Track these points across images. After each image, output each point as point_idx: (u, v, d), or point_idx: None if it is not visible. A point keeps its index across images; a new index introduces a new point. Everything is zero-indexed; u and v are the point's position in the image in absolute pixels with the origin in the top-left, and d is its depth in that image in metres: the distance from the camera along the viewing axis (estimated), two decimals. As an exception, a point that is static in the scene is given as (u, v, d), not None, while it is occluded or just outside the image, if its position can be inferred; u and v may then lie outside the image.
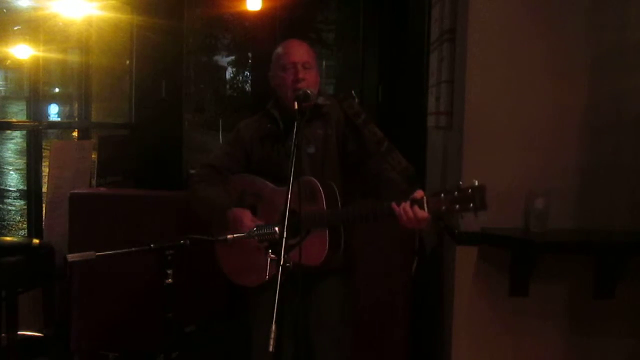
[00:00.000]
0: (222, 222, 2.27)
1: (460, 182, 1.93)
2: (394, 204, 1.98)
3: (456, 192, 1.90)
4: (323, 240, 2.12)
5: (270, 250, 2.08)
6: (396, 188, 2.10)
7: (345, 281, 2.34)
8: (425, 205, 1.94)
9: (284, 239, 1.76)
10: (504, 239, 2.51)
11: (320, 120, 2.30)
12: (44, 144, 4.17)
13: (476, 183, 1.89)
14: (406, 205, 1.96)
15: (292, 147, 1.93)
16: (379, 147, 2.19)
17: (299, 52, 2.27)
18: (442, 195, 1.93)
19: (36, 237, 3.86)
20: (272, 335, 1.57)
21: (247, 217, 2.23)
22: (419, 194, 1.97)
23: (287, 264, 1.73)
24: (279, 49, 2.32)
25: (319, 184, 2.13)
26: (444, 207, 1.92)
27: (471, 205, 1.88)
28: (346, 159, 2.29)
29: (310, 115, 2.23)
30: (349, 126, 2.27)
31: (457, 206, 1.90)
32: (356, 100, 2.30)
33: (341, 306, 2.33)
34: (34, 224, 4.06)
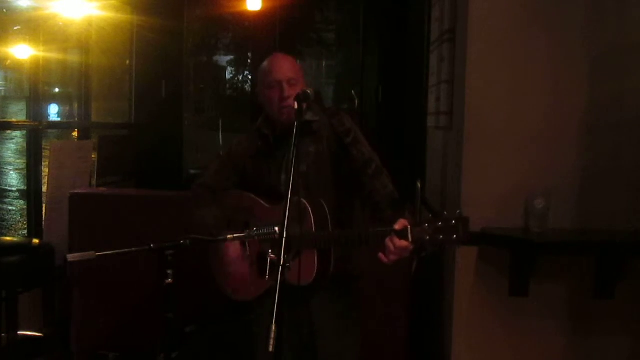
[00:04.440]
0: (214, 249, 2.29)
1: (445, 212, 1.94)
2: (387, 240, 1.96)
3: (440, 223, 1.90)
4: (312, 261, 2.10)
5: (270, 251, 2.08)
6: (380, 214, 2.10)
7: (344, 293, 2.31)
8: (409, 234, 1.93)
9: (284, 239, 1.76)
10: (504, 239, 2.50)
11: (311, 137, 2.24)
12: (44, 144, 4.18)
13: (459, 213, 1.89)
14: (394, 238, 1.94)
15: (292, 148, 1.91)
16: (366, 168, 2.18)
17: (283, 69, 2.22)
18: (426, 225, 1.92)
19: (36, 237, 3.86)
20: (272, 335, 1.57)
21: (235, 251, 2.25)
22: (401, 223, 1.94)
23: (287, 264, 1.73)
24: (264, 66, 2.26)
25: (308, 206, 2.10)
26: (427, 237, 1.91)
27: (454, 237, 1.87)
28: (340, 175, 2.25)
29: (301, 132, 2.21)
30: (339, 143, 2.24)
31: (441, 237, 1.89)
32: (356, 100, 2.29)
33: (341, 318, 2.30)
34: (34, 224, 4.07)
